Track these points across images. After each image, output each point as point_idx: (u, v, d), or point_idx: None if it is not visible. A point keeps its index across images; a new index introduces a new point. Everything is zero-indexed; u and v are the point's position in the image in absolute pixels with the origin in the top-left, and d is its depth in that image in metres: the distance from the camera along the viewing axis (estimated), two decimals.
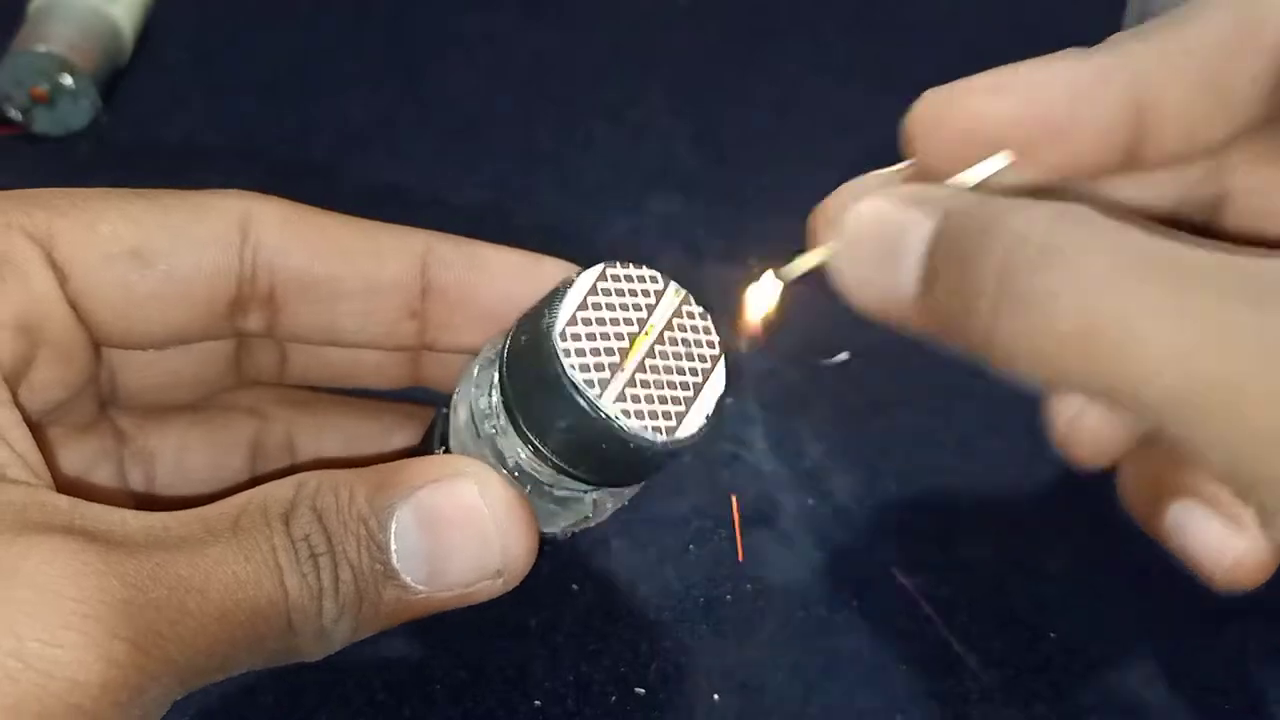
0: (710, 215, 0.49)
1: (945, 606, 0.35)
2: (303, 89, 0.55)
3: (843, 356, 0.34)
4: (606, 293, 0.26)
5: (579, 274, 0.26)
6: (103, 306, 0.28)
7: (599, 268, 0.26)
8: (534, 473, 0.27)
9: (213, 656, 0.23)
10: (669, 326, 0.26)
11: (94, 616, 0.22)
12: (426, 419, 0.33)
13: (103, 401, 0.31)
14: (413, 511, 0.25)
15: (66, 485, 0.25)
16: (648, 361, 0.26)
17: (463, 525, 0.26)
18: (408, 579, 0.25)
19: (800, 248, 0.29)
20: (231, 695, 0.32)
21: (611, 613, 0.34)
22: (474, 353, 0.29)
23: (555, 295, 0.26)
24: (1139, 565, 0.32)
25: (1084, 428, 0.29)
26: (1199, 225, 0.29)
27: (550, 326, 0.25)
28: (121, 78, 0.55)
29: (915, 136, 0.28)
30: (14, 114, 0.50)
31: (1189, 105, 0.27)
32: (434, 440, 0.30)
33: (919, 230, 0.25)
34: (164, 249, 0.28)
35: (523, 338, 0.26)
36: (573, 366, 0.25)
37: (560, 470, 0.26)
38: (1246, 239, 0.29)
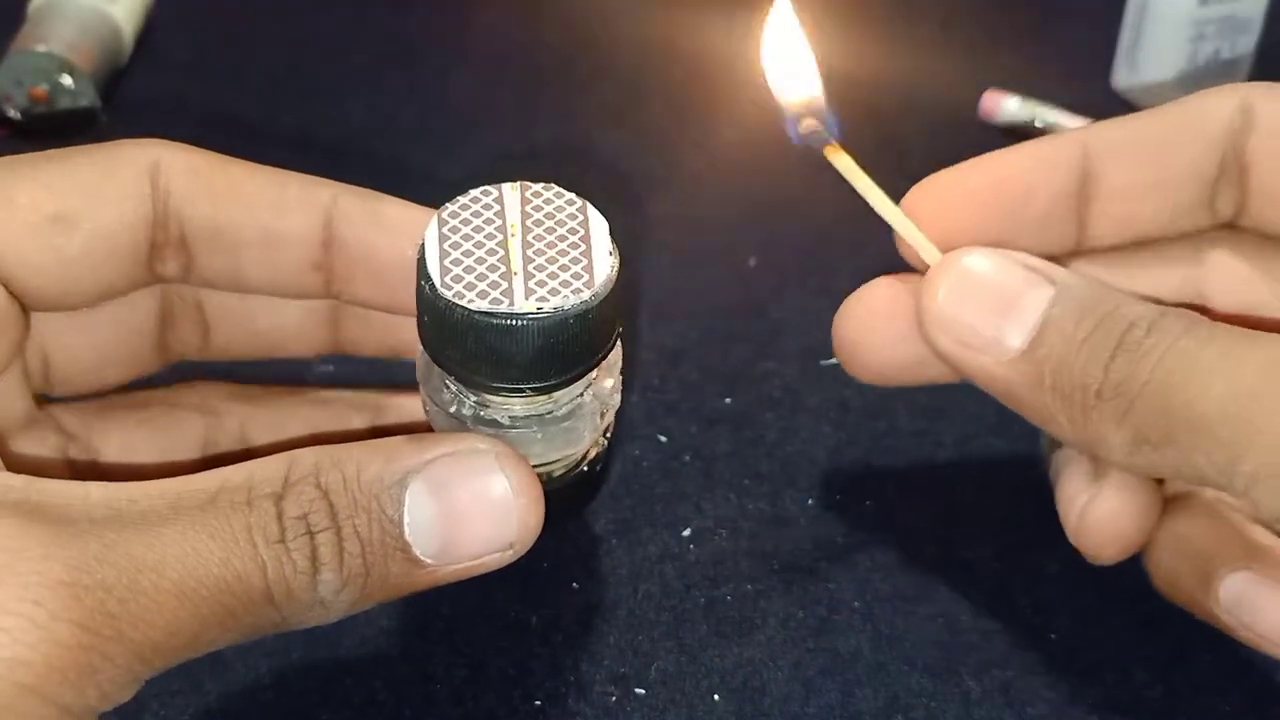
0: (711, 215, 0.49)
1: (945, 606, 0.35)
2: (303, 89, 0.55)
3: None
4: (456, 229, 0.26)
5: (424, 235, 0.26)
6: (35, 274, 0.28)
7: (433, 216, 0.27)
8: (521, 414, 0.27)
9: (176, 635, 0.23)
10: (525, 216, 0.27)
11: (35, 600, 0.22)
12: (377, 403, 0.34)
13: (38, 391, 0.31)
14: (427, 484, 0.26)
15: (22, 467, 0.25)
16: (528, 252, 0.26)
17: (481, 499, 0.26)
18: (418, 553, 0.26)
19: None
20: (231, 694, 0.32)
21: (612, 612, 0.34)
22: (379, 307, 0.31)
23: (420, 262, 0.26)
24: (1139, 565, 0.32)
25: (1099, 517, 0.30)
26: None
27: (433, 290, 0.25)
28: (121, 78, 0.55)
29: (910, 212, 0.31)
30: (13, 114, 0.50)
31: (1130, 186, 0.30)
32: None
33: (1041, 292, 0.28)
34: (83, 209, 0.28)
35: (424, 317, 0.26)
36: (472, 302, 0.25)
37: (539, 390, 0.26)
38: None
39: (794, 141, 0.32)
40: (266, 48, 0.58)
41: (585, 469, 0.30)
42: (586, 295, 0.25)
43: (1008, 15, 0.62)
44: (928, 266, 0.30)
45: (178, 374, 0.34)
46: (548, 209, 0.27)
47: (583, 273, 0.26)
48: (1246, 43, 0.55)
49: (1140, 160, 0.31)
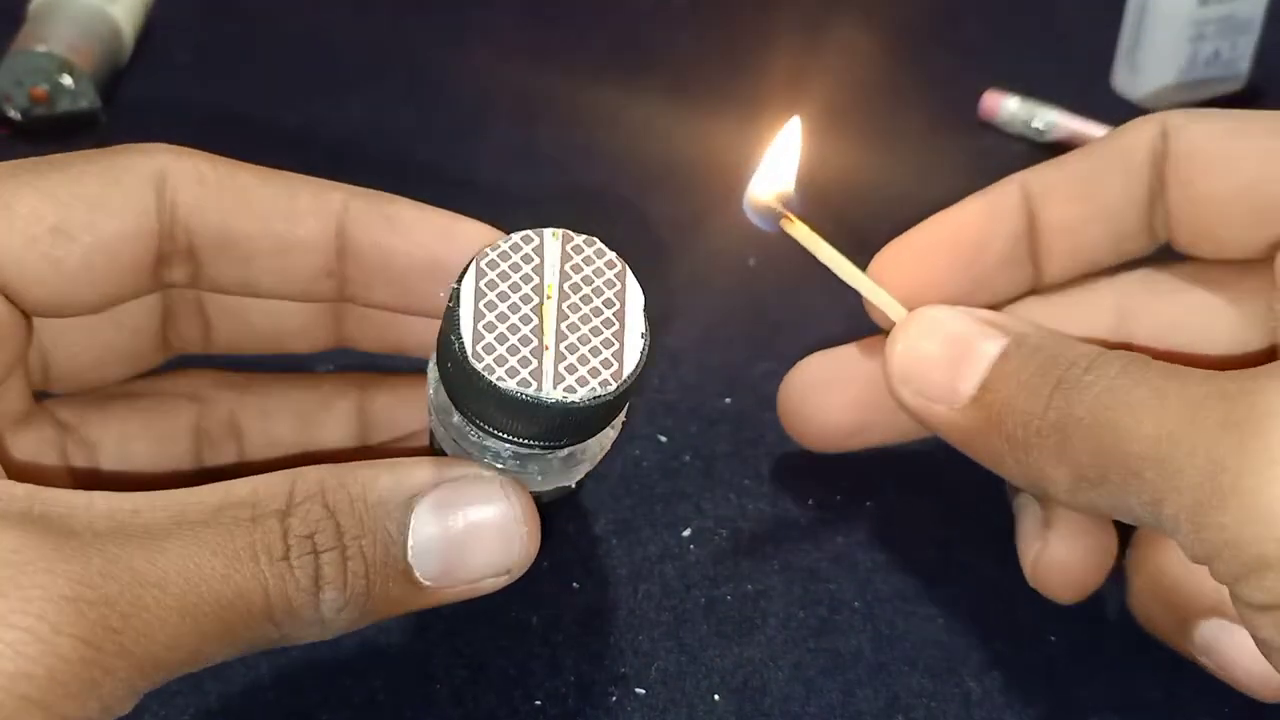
0: (711, 215, 0.49)
1: (945, 606, 0.35)
2: (303, 89, 0.55)
3: None
4: (493, 285, 0.25)
5: (459, 284, 0.25)
6: (34, 285, 0.28)
7: (472, 266, 0.26)
8: (524, 456, 0.27)
9: (177, 649, 0.23)
10: (564, 275, 0.26)
11: (38, 614, 0.22)
12: (364, 385, 0.34)
13: (37, 392, 0.31)
14: (432, 508, 0.26)
15: (23, 473, 0.26)
16: (563, 325, 0.25)
17: (485, 525, 0.26)
18: (419, 575, 0.26)
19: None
20: (231, 694, 0.32)
21: (612, 612, 0.34)
22: (393, 309, 0.30)
23: (450, 315, 0.25)
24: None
25: (1049, 565, 0.32)
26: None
27: (463, 353, 0.25)
28: (121, 78, 0.55)
29: (877, 275, 0.33)
30: (14, 114, 0.50)
31: (1071, 220, 0.32)
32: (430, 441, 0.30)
33: (992, 342, 0.29)
34: (84, 220, 0.28)
35: (448, 365, 0.26)
36: (502, 379, 0.25)
37: (546, 448, 0.27)
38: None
39: (766, 229, 0.33)
40: (266, 48, 0.58)
41: (574, 488, 0.30)
42: (612, 387, 0.25)
43: (1008, 15, 0.62)
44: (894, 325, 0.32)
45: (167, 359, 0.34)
46: (587, 270, 0.26)
47: (613, 360, 0.25)
48: (1246, 43, 0.55)
49: (1076, 194, 0.32)
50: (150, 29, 0.57)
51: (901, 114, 0.55)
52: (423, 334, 0.30)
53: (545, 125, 0.54)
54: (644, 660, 0.33)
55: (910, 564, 0.36)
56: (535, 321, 0.25)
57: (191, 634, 0.23)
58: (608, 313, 0.26)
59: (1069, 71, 0.58)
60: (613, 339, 0.25)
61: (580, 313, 0.26)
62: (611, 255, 0.26)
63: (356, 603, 0.25)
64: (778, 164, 0.33)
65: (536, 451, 0.27)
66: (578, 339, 0.25)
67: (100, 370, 0.32)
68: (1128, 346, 0.29)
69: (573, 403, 0.25)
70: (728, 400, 0.41)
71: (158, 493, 0.25)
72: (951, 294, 0.32)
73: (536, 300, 0.25)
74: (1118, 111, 0.55)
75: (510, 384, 0.25)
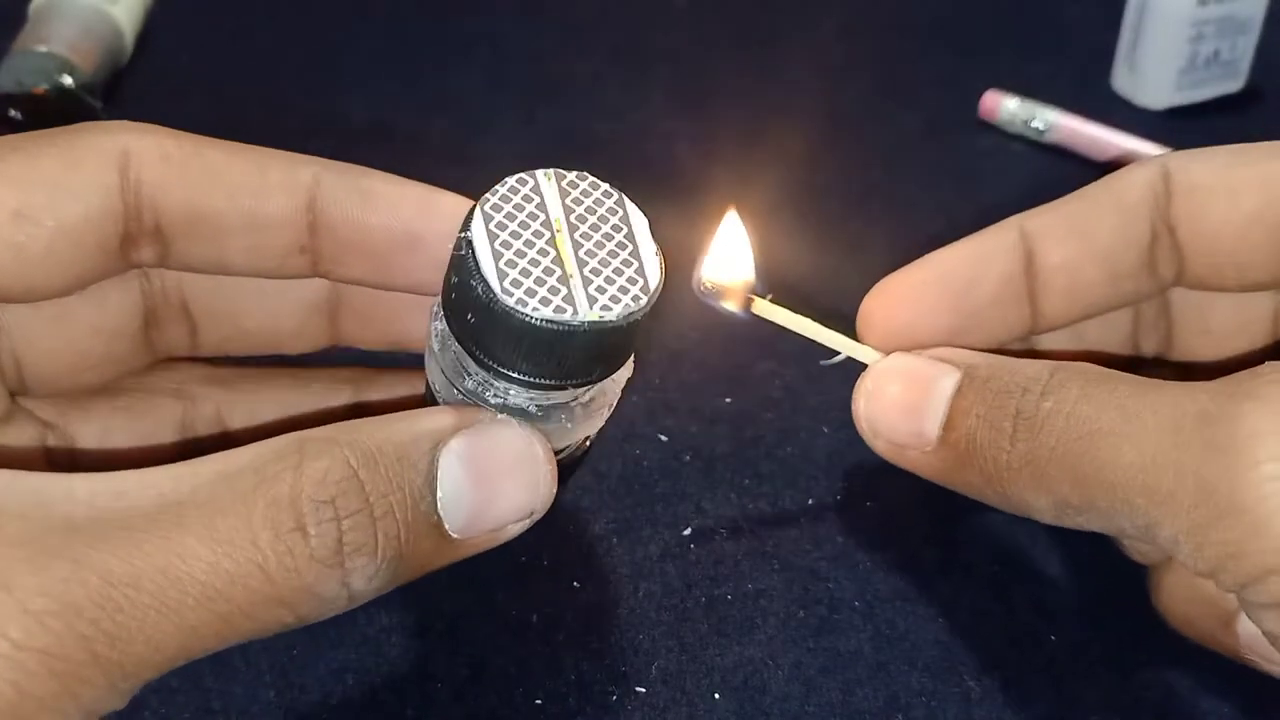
0: (711, 215, 0.49)
1: (945, 606, 0.35)
2: (303, 89, 0.56)
3: (842, 356, 0.34)
4: (502, 226, 0.26)
5: (467, 231, 0.25)
6: None
7: (476, 212, 0.26)
8: (547, 407, 0.27)
9: (160, 648, 0.22)
10: (567, 209, 0.26)
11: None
12: (356, 380, 0.34)
13: (13, 392, 0.30)
14: (458, 456, 0.25)
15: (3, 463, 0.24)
16: (580, 253, 0.26)
17: (514, 469, 0.26)
18: (448, 527, 0.25)
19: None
20: (231, 693, 0.32)
21: (613, 611, 0.34)
22: (370, 284, 0.30)
23: (465, 262, 0.25)
24: (1139, 566, 0.32)
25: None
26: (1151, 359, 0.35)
27: (490, 294, 0.25)
28: (122, 78, 0.55)
29: (867, 314, 0.32)
30: (15, 114, 0.50)
31: (1069, 259, 0.32)
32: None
33: (947, 380, 0.30)
34: (46, 204, 0.27)
35: (469, 317, 0.25)
36: (537, 309, 0.25)
37: (578, 385, 0.26)
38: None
39: (740, 317, 0.33)
40: (266, 48, 0.58)
41: (587, 446, 0.30)
42: (644, 301, 0.25)
43: (1008, 15, 0.62)
44: None
45: None
46: (588, 202, 0.26)
47: (637, 276, 0.26)
48: (1246, 43, 0.56)
49: (1074, 233, 0.32)
50: (150, 29, 0.57)
51: (901, 114, 0.55)
52: (424, 325, 0.29)
53: (546, 125, 0.54)
54: (644, 659, 0.33)
55: (910, 564, 0.36)
56: (553, 253, 0.25)
57: (175, 632, 0.22)
58: (618, 236, 0.26)
59: (1069, 71, 0.58)
60: (630, 259, 0.26)
61: (593, 239, 0.26)
62: (606, 186, 0.27)
63: (390, 567, 0.24)
64: (729, 252, 0.33)
65: (560, 397, 0.26)
66: (598, 263, 0.26)
67: (77, 375, 0.31)
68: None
69: (610, 321, 0.25)
70: (728, 400, 0.41)
71: (150, 470, 0.23)
72: (942, 332, 0.32)
73: (548, 234, 0.26)
74: (1117, 111, 0.55)
75: (546, 312, 0.24)
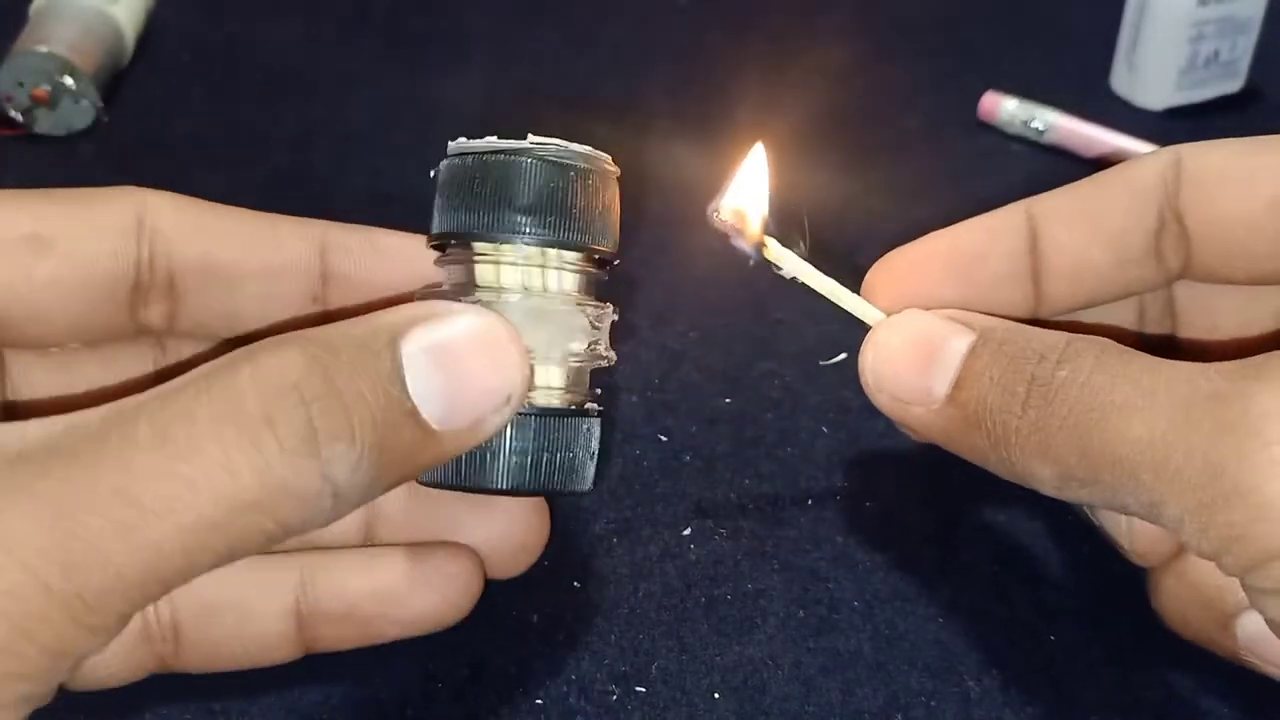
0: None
1: (946, 606, 0.35)
2: (303, 89, 0.56)
3: (842, 356, 0.34)
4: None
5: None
6: (2, 292, 0.27)
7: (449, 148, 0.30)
8: (510, 284, 0.29)
9: (124, 578, 0.21)
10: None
11: None
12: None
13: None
14: (419, 343, 0.25)
15: None
16: (533, 140, 0.29)
17: (480, 351, 0.26)
18: (425, 415, 0.25)
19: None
20: (231, 692, 0.32)
21: (613, 611, 0.34)
22: None
23: (449, 164, 0.29)
24: (1138, 567, 0.32)
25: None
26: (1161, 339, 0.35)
27: (479, 156, 0.28)
28: (122, 78, 0.55)
29: (872, 285, 0.32)
30: (15, 115, 0.50)
31: (1074, 240, 0.32)
32: None
33: (961, 340, 0.29)
34: (61, 233, 0.28)
35: (460, 195, 0.29)
36: (518, 143, 0.29)
37: (542, 240, 0.29)
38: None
39: (750, 255, 0.33)
40: (266, 48, 0.59)
41: (605, 361, 0.30)
42: (584, 149, 0.29)
43: (1008, 15, 0.62)
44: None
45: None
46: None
47: (581, 147, 0.30)
48: (1246, 43, 0.56)
49: (1081, 215, 0.32)
50: (150, 29, 0.57)
51: (901, 115, 0.55)
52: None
53: (545, 125, 0.54)
54: (644, 659, 0.33)
55: (910, 564, 0.36)
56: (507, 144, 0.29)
57: (137, 553, 0.21)
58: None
59: (1068, 72, 0.58)
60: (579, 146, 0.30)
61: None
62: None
63: (372, 458, 0.23)
64: (747, 187, 0.33)
65: (527, 253, 0.29)
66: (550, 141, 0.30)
67: (48, 339, 0.30)
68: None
69: (550, 146, 0.29)
70: (728, 400, 0.41)
71: (106, 405, 0.22)
72: (947, 305, 0.32)
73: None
74: (1117, 111, 0.55)
75: (524, 143, 0.29)
